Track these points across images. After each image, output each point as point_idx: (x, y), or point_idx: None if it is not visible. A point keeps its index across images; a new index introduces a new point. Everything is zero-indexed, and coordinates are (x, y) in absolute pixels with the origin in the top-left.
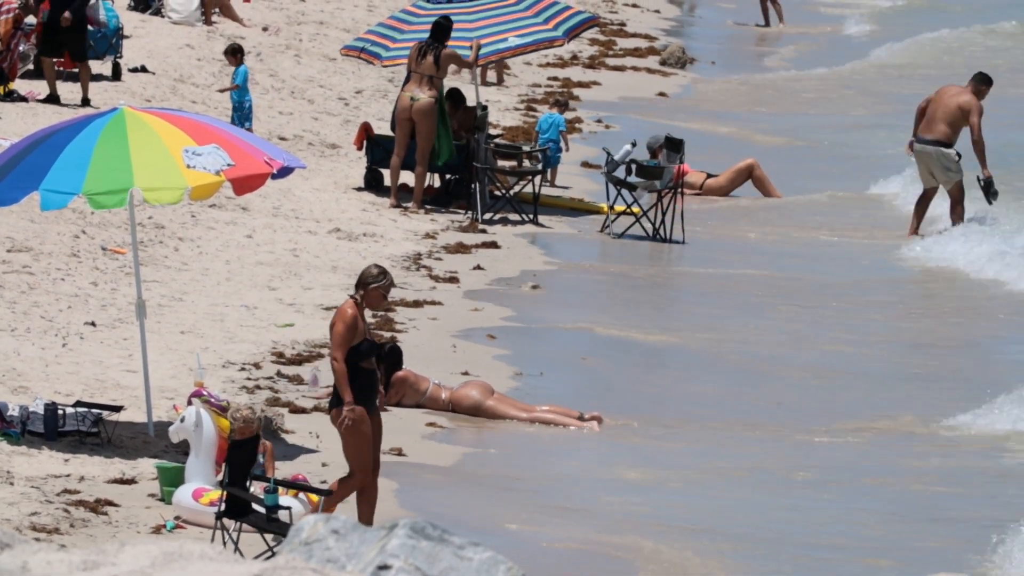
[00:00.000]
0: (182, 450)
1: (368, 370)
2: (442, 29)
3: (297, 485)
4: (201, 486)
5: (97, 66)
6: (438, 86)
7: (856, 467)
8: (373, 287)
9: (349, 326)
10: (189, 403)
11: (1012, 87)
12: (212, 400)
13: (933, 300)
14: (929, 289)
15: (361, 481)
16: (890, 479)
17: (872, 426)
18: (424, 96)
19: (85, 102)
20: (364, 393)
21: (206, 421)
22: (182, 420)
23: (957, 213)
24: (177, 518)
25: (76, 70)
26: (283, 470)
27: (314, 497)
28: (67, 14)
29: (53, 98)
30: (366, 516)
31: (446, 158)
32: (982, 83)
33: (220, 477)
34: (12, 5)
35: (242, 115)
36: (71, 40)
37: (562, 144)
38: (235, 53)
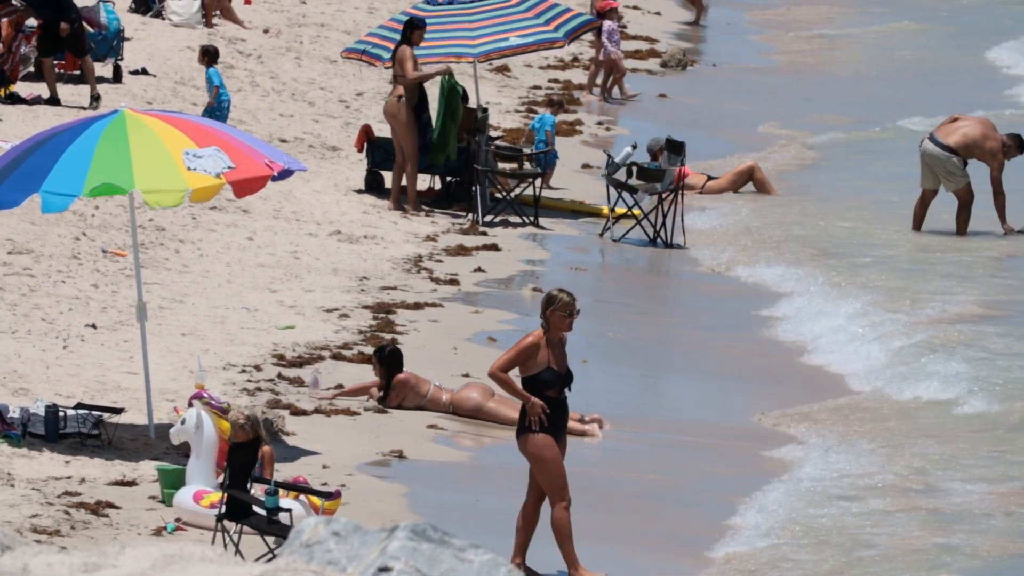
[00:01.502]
0: (183, 452)
1: (553, 398)
2: (405, 26)
3: (298, 487)
4: (202, 488)
5: (98, 68)
6: (403, 83)
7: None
8: (550, 311)
9: (521, 352)
10: (190, 405)
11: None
12: (213, 402)
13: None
14: None
15: (564, 501)
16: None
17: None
18: (391, 98)
19: (95, 99)
20: (550, 421)
21: (207, 423)
22: (183, 422)
23: (963, 217)
24: (178, 520)
25: (78, 72)
26: (284, 472)
27: (315, 500)
28: (64, 24)
29: (54, 100)
30: (526, 532)
31: (442, 157)
32: (1015, 144)
33: (221, 479)
34: (13, 9)
35: (219, 113)
36: (69, 39)
37: (550, 144)
38: (207, 54)
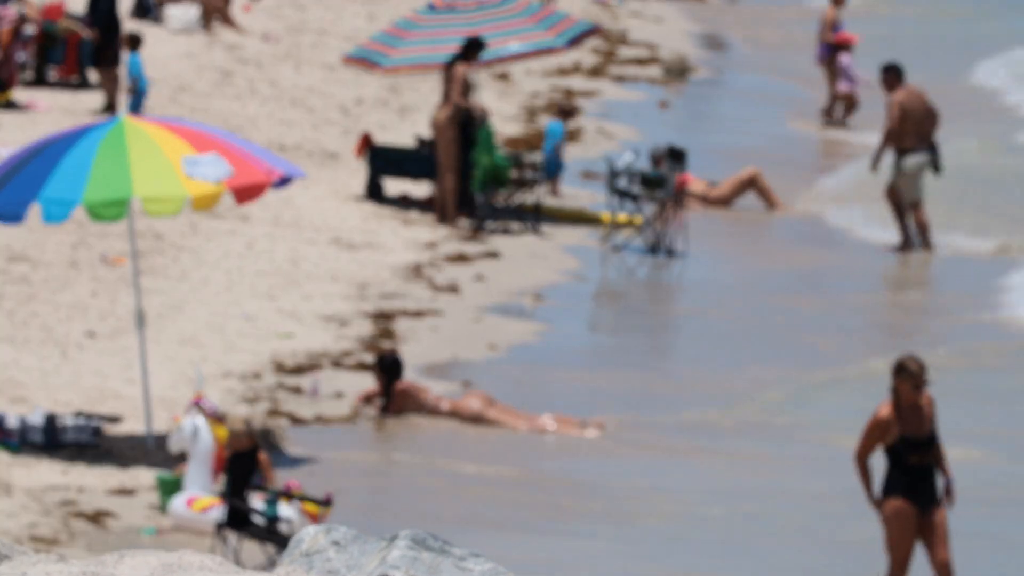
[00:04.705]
0: (182, 460)
1: (914, 465)
2: (465, 45)
3: (290, 493)
4: (194, 494)
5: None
6: (454, 100)
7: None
8: (898, 380)
9: (874, 425)
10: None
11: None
12: (211, 410)
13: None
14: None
15: (899, 571)
16: None
17: None
18: (440, 112)
19: (110, 108)
20: (911, 488)
21: (204, 431)
22: (181, 430)
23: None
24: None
25: (76, 78)
26: (281, 478)
27: (311, 507)
28: (123, 35)
29: (111, 107)
30: None
31: (480, 178)
32: (889, 77)
33: (219, 487)
34: (11, 15)
35: (135, 97)
36: (112, 51)
37: (558, 154)
38: (130, 40)
